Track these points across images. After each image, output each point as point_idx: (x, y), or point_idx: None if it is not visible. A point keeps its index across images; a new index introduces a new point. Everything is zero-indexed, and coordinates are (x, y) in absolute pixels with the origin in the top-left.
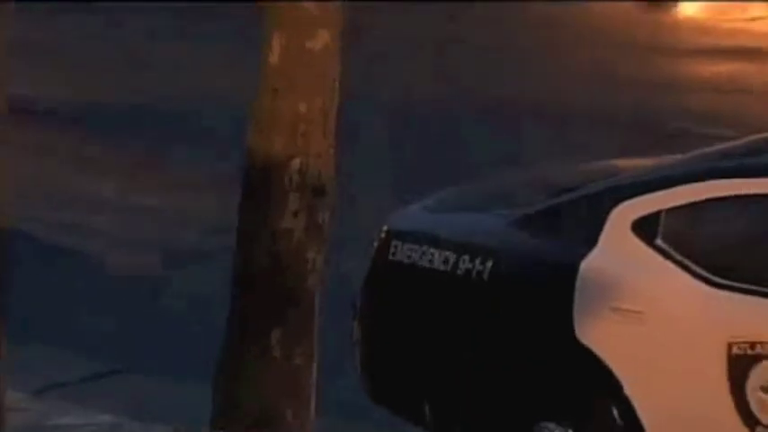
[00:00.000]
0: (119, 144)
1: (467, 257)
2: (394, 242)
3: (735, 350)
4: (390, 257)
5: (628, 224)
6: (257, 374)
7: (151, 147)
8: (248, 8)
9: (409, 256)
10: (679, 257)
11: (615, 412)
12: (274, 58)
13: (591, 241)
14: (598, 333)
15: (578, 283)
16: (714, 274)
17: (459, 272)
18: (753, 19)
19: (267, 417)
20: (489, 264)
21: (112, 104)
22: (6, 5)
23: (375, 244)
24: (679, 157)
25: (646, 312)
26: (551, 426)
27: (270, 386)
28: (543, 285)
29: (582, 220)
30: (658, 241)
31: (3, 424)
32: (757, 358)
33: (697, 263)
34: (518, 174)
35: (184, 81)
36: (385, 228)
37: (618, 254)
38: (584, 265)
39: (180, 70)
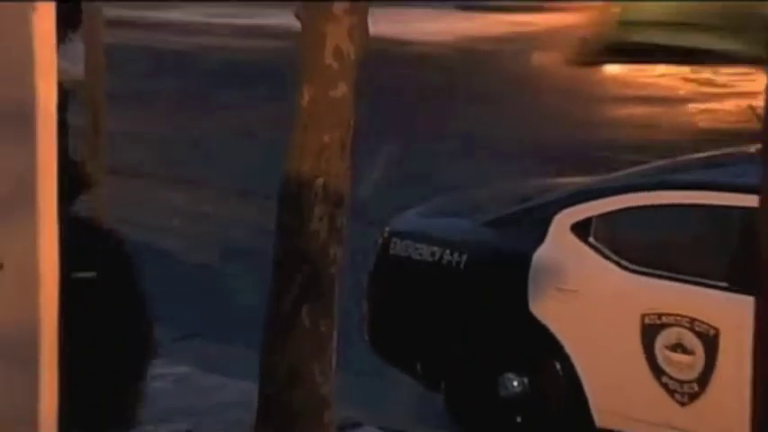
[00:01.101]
0: (184, 164)
1: (448, 251)
2: (393, 240)
3: (646, 320)
4: (391, 252)
5: (568, 226)
6: (291, 340)
7: (208, 167)
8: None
9: (405, 251)
10: (606, 251)
11: (558, 366)
12: (305, 103)
13: (540, 239)
14: (546, 307)
15: (531, 270)
16: (632, 263)
17: (442, 262)
18: (660, 75)
19: (299, 373)
20: (465, 256)
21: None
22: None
23: (379, 241)
24: (605, 176)
25: (581, 291)
26: (512, 376)
27: (301, 349)
28: (505, 272)
29: (534, 223)
30: (591, 239)
31: None
32: (663, 326)
33: (619, 255)
34: (486, 189)
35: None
36: (387, 229)
37: (560, 248)
38: (535, 256)
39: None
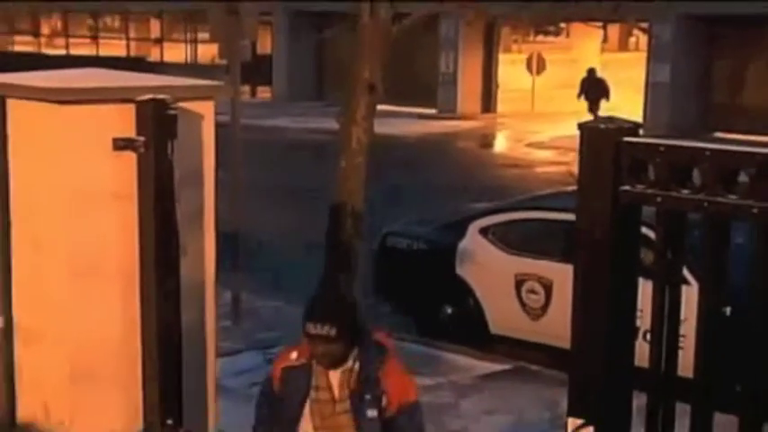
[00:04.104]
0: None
1: (416, 242)
2: (388, 237)
3: (517, 277)
4: (387, 244)
5: (477, 229)
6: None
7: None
8: None
9: (394, 243)
10: (497, 243)
11: (471, 302)
12: (341, 166)
13: (463, 236)
14: (466, 270)
15: (458, 252)
16: (510, 248)
17: (413, 248)
18: (524, 152)
19: None
20: (425, 245)
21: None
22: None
23: (380, 238)
24: (496, 204)
25: (483, 263)
26: (447, 306)
27: None
28: (445, 253)
29: (460, 227)
30: (489, 236)
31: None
32: (525, 280)
33: (503, 244)
34: (436, 211)
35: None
36: (384, 231)
37: (473, 241)
38: (460, 245)
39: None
